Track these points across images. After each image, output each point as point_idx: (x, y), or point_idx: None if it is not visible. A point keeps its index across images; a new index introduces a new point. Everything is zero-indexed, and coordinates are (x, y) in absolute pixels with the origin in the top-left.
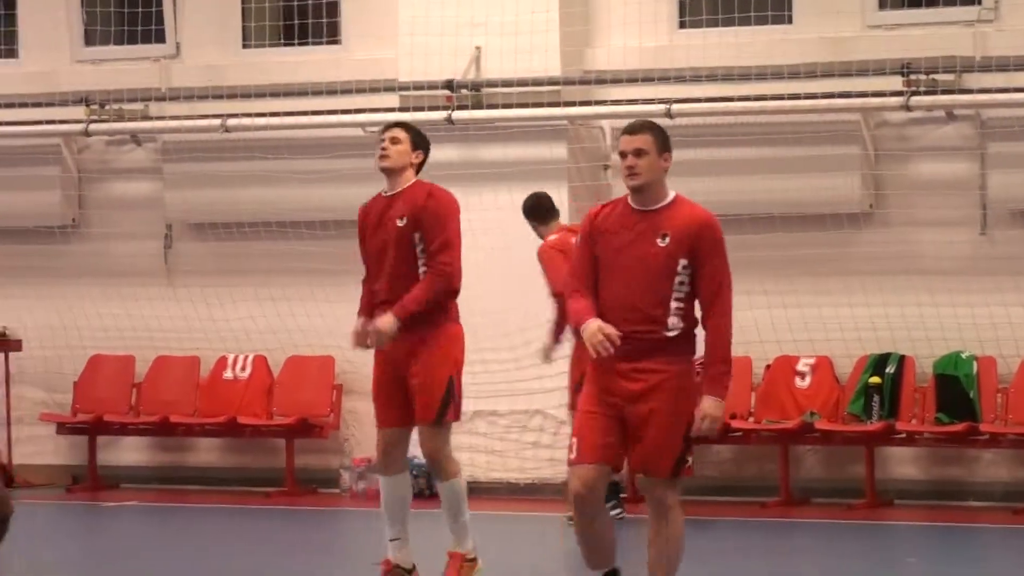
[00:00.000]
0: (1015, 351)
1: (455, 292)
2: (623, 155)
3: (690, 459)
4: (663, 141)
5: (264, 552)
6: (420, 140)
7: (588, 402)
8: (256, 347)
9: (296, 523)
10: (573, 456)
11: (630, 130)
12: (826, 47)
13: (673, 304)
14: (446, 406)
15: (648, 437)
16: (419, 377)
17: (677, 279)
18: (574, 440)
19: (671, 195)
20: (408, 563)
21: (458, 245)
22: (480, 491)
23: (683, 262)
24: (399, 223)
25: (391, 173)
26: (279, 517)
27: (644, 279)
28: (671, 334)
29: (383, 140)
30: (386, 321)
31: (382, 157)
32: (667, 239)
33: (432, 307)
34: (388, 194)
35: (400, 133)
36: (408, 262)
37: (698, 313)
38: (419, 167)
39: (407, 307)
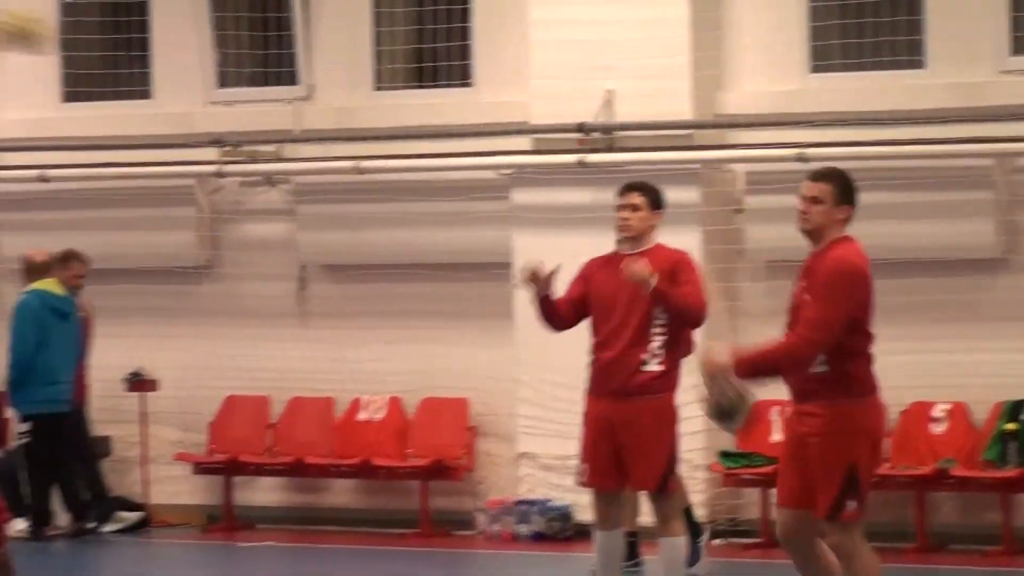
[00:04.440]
0: None
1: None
2: (800, 198)
3: (851, 503)
4: (843, 192)
5: None
6: (659, 200)
7: (784, 446)
8: (390, 389)
9: (430, 565)
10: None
11: (812, 176)
12: (959, 92)
13: None
14: (668, 475)
15: (812, 477)
16: (638, 445)
17: None
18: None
19: (831, 240)
20: None
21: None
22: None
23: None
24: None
25: (633, 241)
26: (414, 559)
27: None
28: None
29: (623, 207)
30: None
31: (623, 228)
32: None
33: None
34: (630, 252)
35: (638, 199)
36: (645, 322)
37: None
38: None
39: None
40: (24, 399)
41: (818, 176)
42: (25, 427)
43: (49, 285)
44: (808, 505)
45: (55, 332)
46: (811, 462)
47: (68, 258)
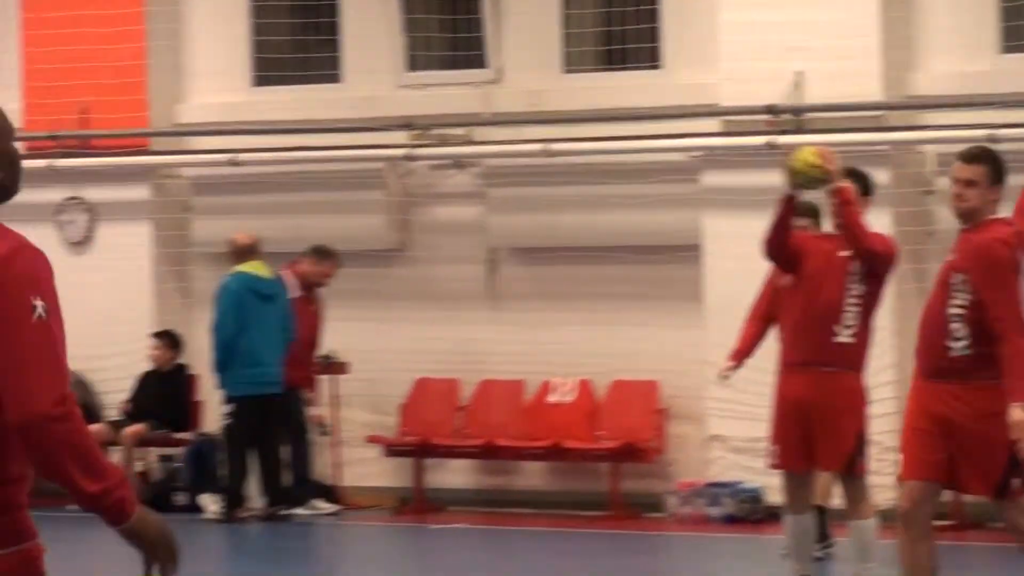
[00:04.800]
0: None
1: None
2: (954, 181)
3: (1015, 480)
4: (996, 173)
5: None
6: (868, 186)
7: (912, 418)
8: (580, 371)
9: (621, 547)
10: (900, 472)
11: (965, 159)
12: None
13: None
14: (857, 457)
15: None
16: (828, 424)
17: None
18: (901, 456)
19: (983, 221)
20: None
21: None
22: None
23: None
24: (841, 253)
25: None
26: (604, 541)
27: None
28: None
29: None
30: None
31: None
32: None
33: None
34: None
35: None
36: (839, 293)
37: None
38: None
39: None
40: (227, 381)
41: (972, 158)
42: (228, 408)
43: (253, 267)
44: (943, 479)
45: (258, 314)
46: (965, 444)
47: (326, 255)
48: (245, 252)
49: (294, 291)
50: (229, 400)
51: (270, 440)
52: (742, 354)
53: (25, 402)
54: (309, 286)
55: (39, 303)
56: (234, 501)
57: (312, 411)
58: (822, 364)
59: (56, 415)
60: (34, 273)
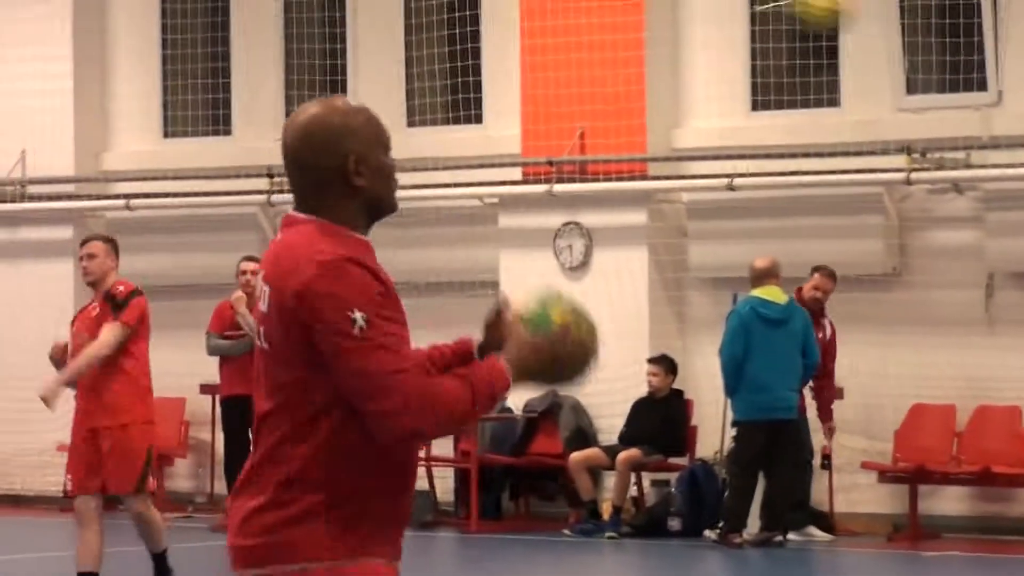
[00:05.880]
0: None
1: None
2: None
3: None
4: None
5: None
6: None
7: None
8: None
9: None
10: None
11: None
12: None
13: None
14: None
15: None
16: None
17: None
18: None
19: None
20: None
21: None
22: None
23: None
24: None
25: None
26: None
27: None
28: None
29: None
30: None
31: None
32: None
33: None
34: None
35: None
36: None
37: None
38: None
39: None
40: (735, 405)
41: None
42: (734, 432)
43: (766, 292)
44: None
45: (764, 339)
46: None
47: (819, 268)
48: (761, 276)
49: None
50: (735, 424)
51: (776, 465)
52: None
53: (382, 429)
54: (812, 312)
55: (355, 315)
56: (733, 525)
57: (825, 443)
58: None
59: (413, 429)
60: (338, 288)
